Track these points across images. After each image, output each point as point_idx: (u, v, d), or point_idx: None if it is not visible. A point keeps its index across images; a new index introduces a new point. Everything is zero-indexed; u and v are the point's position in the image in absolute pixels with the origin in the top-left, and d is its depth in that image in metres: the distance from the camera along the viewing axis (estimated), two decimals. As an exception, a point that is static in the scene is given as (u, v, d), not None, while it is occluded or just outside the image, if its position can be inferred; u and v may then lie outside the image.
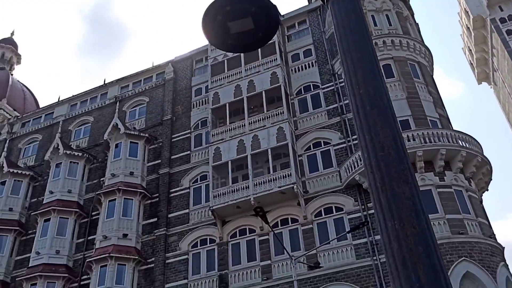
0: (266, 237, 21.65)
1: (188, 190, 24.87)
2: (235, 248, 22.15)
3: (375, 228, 19.80)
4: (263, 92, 24.72)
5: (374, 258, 19.22)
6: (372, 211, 20.13)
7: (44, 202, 26.80)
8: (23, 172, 29.02)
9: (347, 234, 19.92)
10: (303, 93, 25.54)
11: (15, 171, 28.80)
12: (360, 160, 20.52)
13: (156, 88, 30.18)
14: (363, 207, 20.60)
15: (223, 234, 22.48)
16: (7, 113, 44.66)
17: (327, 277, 19.50)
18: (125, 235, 23.74)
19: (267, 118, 23.76)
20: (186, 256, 22.76)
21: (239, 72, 26.13)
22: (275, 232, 21.33)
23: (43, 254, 24.63)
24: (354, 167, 20.70)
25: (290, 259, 16.06)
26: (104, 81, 32.71)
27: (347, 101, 23.76)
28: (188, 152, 26.28)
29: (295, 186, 21.09)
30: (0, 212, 27.43)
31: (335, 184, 21.74)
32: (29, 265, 24.73)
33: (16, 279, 24.86)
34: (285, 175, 21.55)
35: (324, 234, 20.74)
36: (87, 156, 28.31)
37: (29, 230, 27.29)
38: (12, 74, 52.55)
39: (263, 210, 13.79)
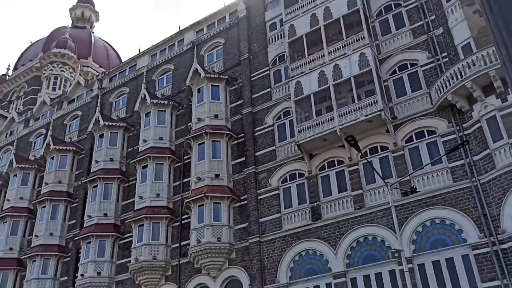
0: (356, 167, 21.44)
1: (272, 128, 25.03)
2: (325, 180, 22.24)
3: (473, 149, 18.82)
4: (341, 18, 23.58)
5: (473, 179, 18.38)
6: (469, 131, 19.06)
7: (139, 151, 28.45)
8: (117, 124, 30.80)
9: (442, 157, 19.13)
10: (383, 14, 24.02)
11: (110, 123, 30.64)
12: (453, 79, 19.23)
13: (230, 28, 29.98)
14: (458, 128, 19.51)
15: (312, 167, 22.58)
16: (94, 70, 47.20)
17: (423, 202, 19.07)
18: (217, 176, 24.68)
19: (347, 45, 22.79)
20: (277, 192, 23.28)
21: (313, 0, 25.02)
22: (365, 161, 21.08)
23: (146, 198, 26.45)
24: (446, 87, 19.47)
25: (386, 186, 15.78)
26: (179, 27, 33.05)
27: (433, 17, 22.05)
28: (269, 89, 26.20)
29: (382, 113, 20.38)
30: (103, 162, 29.63)
31: (425, 106, 20.70)
32: (135, 209, 26.77)
33: (125, 221, 27.11)
34: (371, 102, 20.84)
35: (417, 159, 20.08)
36: (172, 103, 29.29)
37: (130, 177, 29.30)
38: (93, 32, 54.88)
39: (354, 138, 13.43)
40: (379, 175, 15.95)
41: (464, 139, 18.63)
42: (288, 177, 23.34)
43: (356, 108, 21.13)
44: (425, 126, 20.44)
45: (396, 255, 13.97)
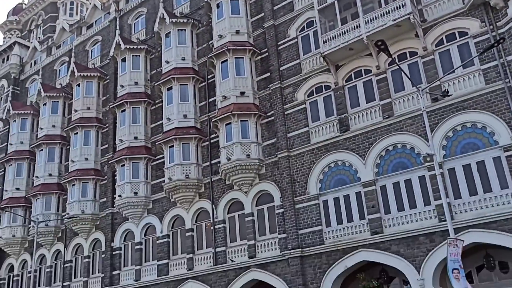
0: (384, 75, 20.92)
1: (296, 40, 24.33)
2: (352, 91, 21.89)
3: (507, 48, 17.98)
4: None
5: (507, 80, 17.76)
6: (503, 30, 18.13)
7: (163, 72, 28.30)
8: (138, 47, 30.43)
9: (474, 59, 18.43)
10: None
11: (131, 46, 30.27)
12: (487, -26, 17.96)
13: None
14: (491, 27, 18.53)
15: (338, 79, 22.16)
16: (109, -8, 45.89)
17: (454, 107, 18.68)
18: (242, 93, 24.54)
19: None
20: (303, 106, 23.12)
21: None
22: (393, 69, 20.55)
23: (173, 120, 26.71)
24: (480, -17, 18.27)
25: (415, 93, 15.41)
26: None
27: None
28: (290, -1, 25.15)
29: (411, 17, 19.42)
30: (128, 87, 29.71)
31: (456, 6, 19.57)
32: (164, 131, 27.19)
33: (156, 143, 27.70)
34: (399, 5, 19.79)
35: (448, 63, 19.39)
36: (192, 21, 28.52)
37: (156, 100, 29.46)
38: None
39: (384, 42, 12.88)
40: (410, 80, 15.50)
41: (498, 38, 17.75)
42: (315, 90, 23.05)
43: (384, 13, 20.20)
44: (456, 28, 19.49)
45: (428, 159, 13.92)
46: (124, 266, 28.12)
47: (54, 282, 31.71)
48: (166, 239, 26.37)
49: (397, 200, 19.36)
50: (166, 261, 25.91)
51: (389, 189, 19.67)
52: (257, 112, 24.04)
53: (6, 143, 37.53)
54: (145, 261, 27.24)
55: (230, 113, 23.82)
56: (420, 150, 18.97)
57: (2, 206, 33.11)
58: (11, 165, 35.14)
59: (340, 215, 20.68)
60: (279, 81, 24.00)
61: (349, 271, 20.00)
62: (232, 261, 23.14)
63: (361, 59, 21.65)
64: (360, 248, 19.43)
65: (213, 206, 24.74)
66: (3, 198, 34.96)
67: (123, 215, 28.31)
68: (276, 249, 22.07)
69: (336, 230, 20.54)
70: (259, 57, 25.47)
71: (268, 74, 24.73)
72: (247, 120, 24.00)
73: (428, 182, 18.63)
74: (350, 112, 21.54)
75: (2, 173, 36.69)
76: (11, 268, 35.01)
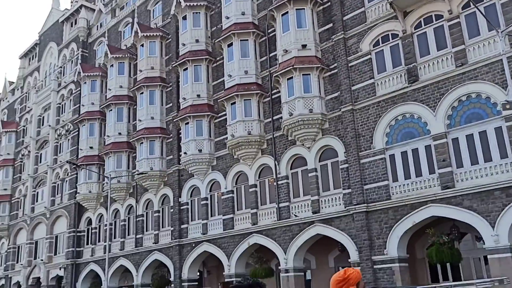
0: (457, 20, 19.38)
1: (360, -13, 23.07)
2: (421, 39, 20.55)
3: None
4: None
5: None
6: None
7: (223, 29, 28.00)
8: (198, 3, 30.13)
9: None
10: None
11: (192, 3, 30.02)
12: None
13: None
14: None
15: (406, 26, 20.84)
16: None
17: (537, 51, 17.02)
18: (304, 46, 23.82)
19: None
20: (368, 57, 22.09)
21: None
22: (467, 13, 19.02)
23: (234, 76, 26.58)
24: None
25: (492, 38, 14.09)
26: None
27: None
28: None
29: (489, -48, 17.64)
30: (189, 45, 29.73)
31: None
32: (225, 88, 27.17)
33: (218, 101, 27.80)
34: None
35: (531, 2, 17.58)
36: (251, -26, 27.78)
37: (217, 57, 29.37)
38: None
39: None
40: (488, 21, 14.19)
41: None
42: (381, 40, 21.88)
43: (457, -50, 18.49)
44: (542, -38, 17.51)
45: (507, 106, 12.84)
46: (191, 220, 29.09)
47: (128, 235, 33.55)
48: (230, 195, 26.84)
49: (470, 153, 18.26)
50: (231, 215, 26.46)
51: (461, 142, 18.56)
52: (319, 65, 23.31)
53: (78, 105, 39.34)
54: (211, 216, 27.99)
55: (291, 67, 23.28)
56: (496, 99, 17.58)
57: (78, 164, 35.08)
58: (84, 125, 36.92)
59: (408, 170, 19.91)
60: (343, 32, 22.99)
61: (417, 227, 19.40)
62: (296, 216, 23.18)
63: (431, 3, 20.15)
64: (429, 203, 18.69)
65: (276, 162, 24.69)
66: (79, 157, 37.02)
67: (189, 172, 29.03)
68: (340, 204, 21.78)
69: (404, 185, 19.84)
70: (321, 7, 24.48)
71: (331, 24, 23.75)
72: (309, 74, 23.37)
73: (505, 133, 17.34)
74: (420, 61, 20.30)
75: (77, 133, 38.66)
76: (89, 222, 37.40)
